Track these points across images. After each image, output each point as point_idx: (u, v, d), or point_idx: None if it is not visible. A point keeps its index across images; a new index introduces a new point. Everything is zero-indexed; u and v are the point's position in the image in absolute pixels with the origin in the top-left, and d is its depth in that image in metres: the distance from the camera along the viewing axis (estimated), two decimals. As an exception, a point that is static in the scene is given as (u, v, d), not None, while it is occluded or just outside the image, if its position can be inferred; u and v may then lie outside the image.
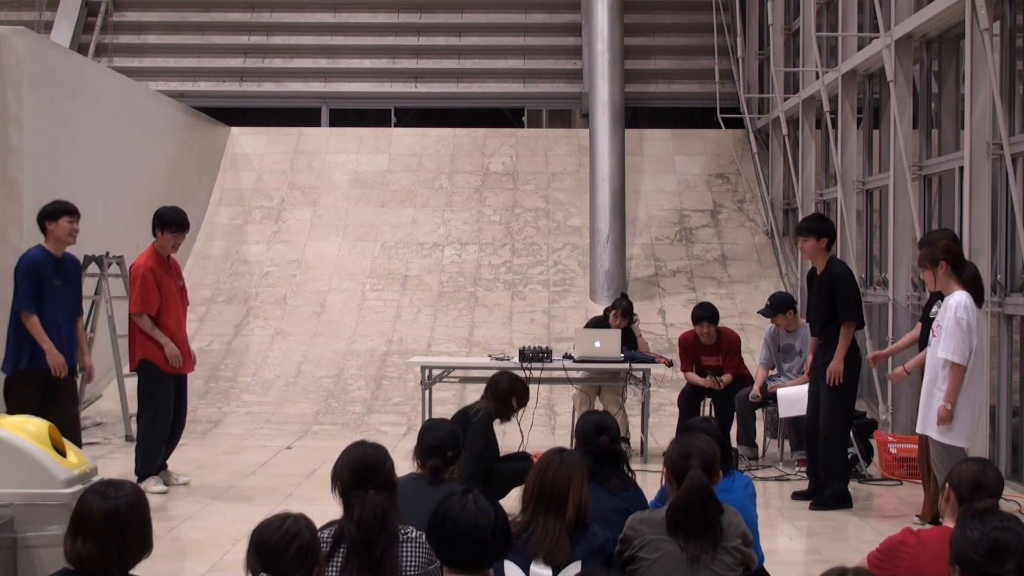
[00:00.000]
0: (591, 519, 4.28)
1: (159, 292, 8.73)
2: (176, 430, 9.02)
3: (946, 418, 7.12)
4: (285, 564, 3.49)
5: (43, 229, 8.26)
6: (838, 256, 11.99)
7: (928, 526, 6.47)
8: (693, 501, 4.21)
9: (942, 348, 7.14)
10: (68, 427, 8.29)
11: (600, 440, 4.97)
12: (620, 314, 10.67)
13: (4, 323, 8.80)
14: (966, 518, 3.44)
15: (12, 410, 7.88)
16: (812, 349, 8.88)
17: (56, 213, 8.23)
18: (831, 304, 8.47)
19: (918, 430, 7.51)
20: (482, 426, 7.58)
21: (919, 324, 8.36)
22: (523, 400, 7.89)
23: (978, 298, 7.35)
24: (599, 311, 11.94)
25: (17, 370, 8.13)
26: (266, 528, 3.53)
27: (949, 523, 4.13)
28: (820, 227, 8.69)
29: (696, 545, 4.19)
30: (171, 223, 8.81)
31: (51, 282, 8.19)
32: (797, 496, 8.68)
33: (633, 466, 5.38)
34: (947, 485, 4.17)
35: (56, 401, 8.13)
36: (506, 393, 7.79)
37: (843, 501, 8.44)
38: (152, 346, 8.71)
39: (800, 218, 14.71)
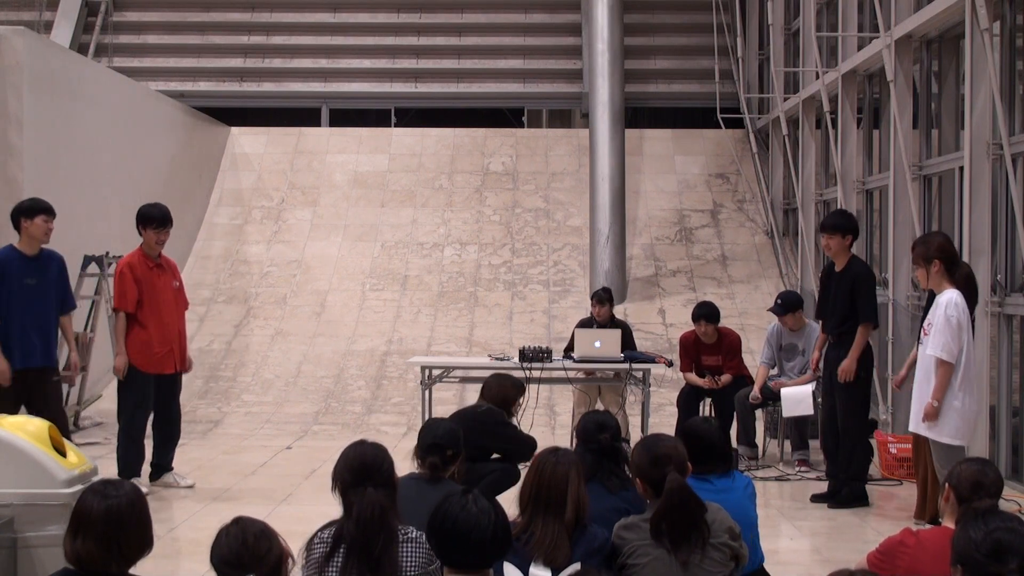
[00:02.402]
0: (590, 519, 4.27)
1: (138, 290, 8.60)
2: (171, 431, 8.96)
3: (932, 415, 7.14)
4: (254, 554, 3.51)
5: (17, 226, 8.15)
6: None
7: (928, 526, 6.47)
8: (676, 506, 4.19)
9: (931, 346, 7.16)
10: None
11: (600, 438, 4.95)
12: (596, 302, 10.68)
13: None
14: (968, 518, 3.44)
15: None
16: (819, 345, 8.86)
17: (33, 211, 8.13)
18: (850, 303, 8.44)
19: (910, 428, 7.52)
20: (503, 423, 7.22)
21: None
22: (520, 392, 7.41)
23: (971, 298, 7.35)
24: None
25: None
26: (217, 546, 3.56)
27: (949, 523, 4.13)
28: (845, 224, 8.61)
29: (684, 549, 4.18)
30: (152, 219, 8.70)
31: (22, 281, 8.06)
32: (816, 498, 8.65)
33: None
34: (947, 485, 4.18)
35: (33, 402, 8.04)
36: (500, 397, 7.30)
37: (861, 499, 8.49)
38: (130, 347, 8.62)
39: (800, 219, 14.75)
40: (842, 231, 8.52)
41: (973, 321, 7.52)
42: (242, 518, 3.63)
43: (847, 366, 8.36)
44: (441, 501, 3.67)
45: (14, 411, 7.78)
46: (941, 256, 7.26)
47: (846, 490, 8.49)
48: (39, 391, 8.14)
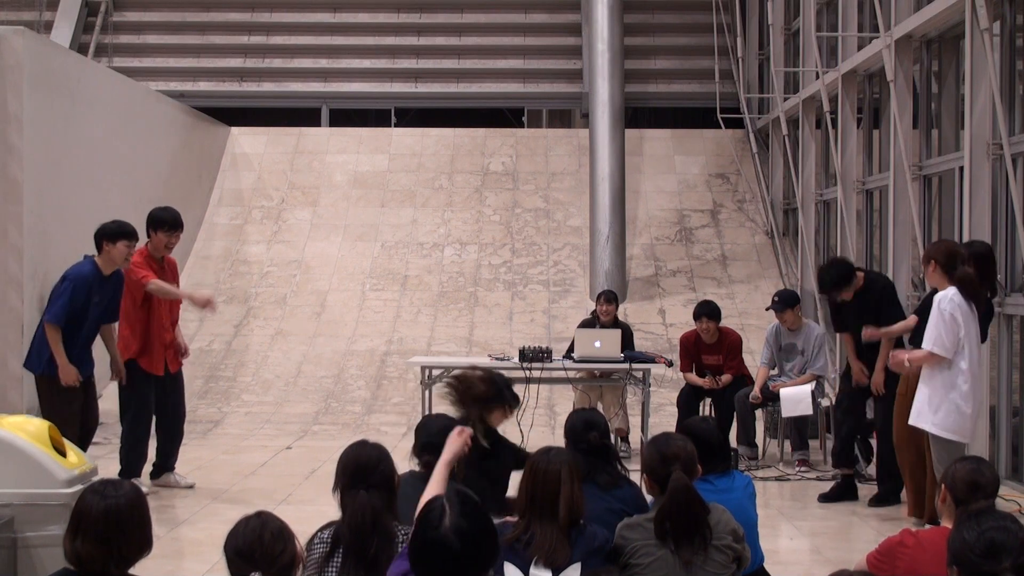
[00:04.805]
0: (587, 518, 4.25)
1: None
2: (175, 431, 8.98)
3: (898, 365, 7.39)
4: (267, 552, 3.52)
5: (98, 246, 8.25)
6: (839, 255, 11.99)
7: (927, 526, 6.47)
8: (679, 505, 4.20)
9: (925, 339, 7.19)
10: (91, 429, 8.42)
11: (589, 436, 4.95)
12: (605, 301, 10.69)
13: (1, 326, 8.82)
14: (962, 519, 3.45)
15: (53, 409, 7.95)
16: (856, 354, 8.83)
17: (117, 235, 8.23)
18: (877, 314, 8.56)
19: (910, 422, 7.49)
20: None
21: (914, 316, 8.41)
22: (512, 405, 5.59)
23: (979, 298, 7.35)
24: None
25: (48, 373, 8.12)
26: (233, 536, 3.57)
27: (947, 524, 4.14)
28: (845, 273, 8.73)
29: (687, 549, 4.18)
30: (164, 222, 8.75)
31: (93, 300, 8.18)
32: (873, 503, 8.65)
33: (632, 466, 5.35)
34: (943, 486, 4.18)
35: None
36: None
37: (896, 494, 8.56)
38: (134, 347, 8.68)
39: (800, 219, 14.74)
40: (845, 283, 8.64)
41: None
42: (264, 513, 3.64)
43: (877, 380, 8.54)
44: (419, 515, 3.40)
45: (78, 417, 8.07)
46: (938, 257, 7.33)
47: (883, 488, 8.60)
48: (85, 396, 8.27)
